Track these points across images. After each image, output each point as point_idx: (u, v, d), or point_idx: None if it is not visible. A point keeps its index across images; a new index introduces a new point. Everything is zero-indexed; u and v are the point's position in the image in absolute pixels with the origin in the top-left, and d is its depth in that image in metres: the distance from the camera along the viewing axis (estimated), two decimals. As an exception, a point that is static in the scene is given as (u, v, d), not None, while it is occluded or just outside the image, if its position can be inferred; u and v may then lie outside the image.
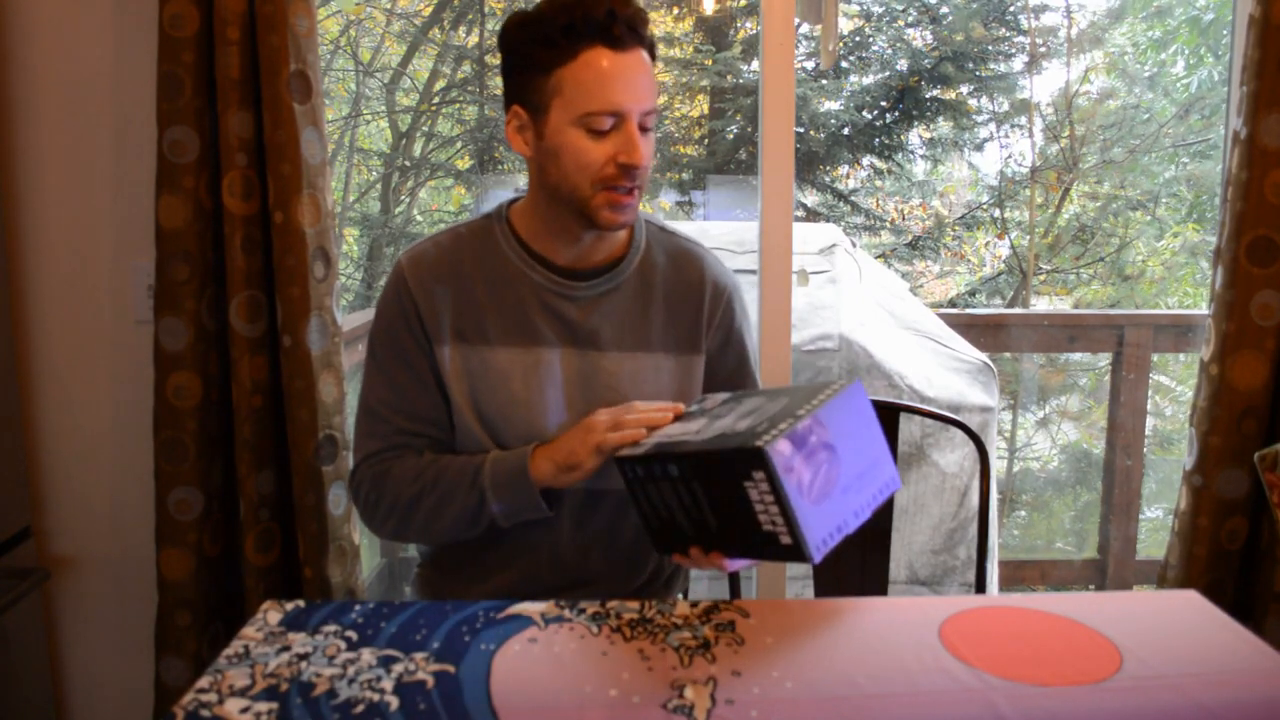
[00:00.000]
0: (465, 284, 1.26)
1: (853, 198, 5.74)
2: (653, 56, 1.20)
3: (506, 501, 1.20)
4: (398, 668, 0.99)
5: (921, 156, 5.77)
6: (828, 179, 5.72)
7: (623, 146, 1.15)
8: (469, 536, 1.26)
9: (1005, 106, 5.54)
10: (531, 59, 1.16)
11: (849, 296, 2.71)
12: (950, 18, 5.57)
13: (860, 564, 1.58)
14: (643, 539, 1.30)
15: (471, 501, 1.21)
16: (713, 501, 1.02)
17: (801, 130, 5.34)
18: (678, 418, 1.14)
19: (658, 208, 5.60)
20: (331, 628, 1.08)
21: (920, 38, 5.71)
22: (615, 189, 1.16)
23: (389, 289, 1.27)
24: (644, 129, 1.17)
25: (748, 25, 5.76)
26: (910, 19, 5.70)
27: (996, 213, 5.56)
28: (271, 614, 1.11)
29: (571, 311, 1.25)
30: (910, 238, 5.69)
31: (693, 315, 1.30)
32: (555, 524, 1.27)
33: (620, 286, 1.27)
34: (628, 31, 1.13)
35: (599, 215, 1.18)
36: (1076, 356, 4.94)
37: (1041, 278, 5.42)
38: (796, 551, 0.96)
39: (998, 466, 4.28)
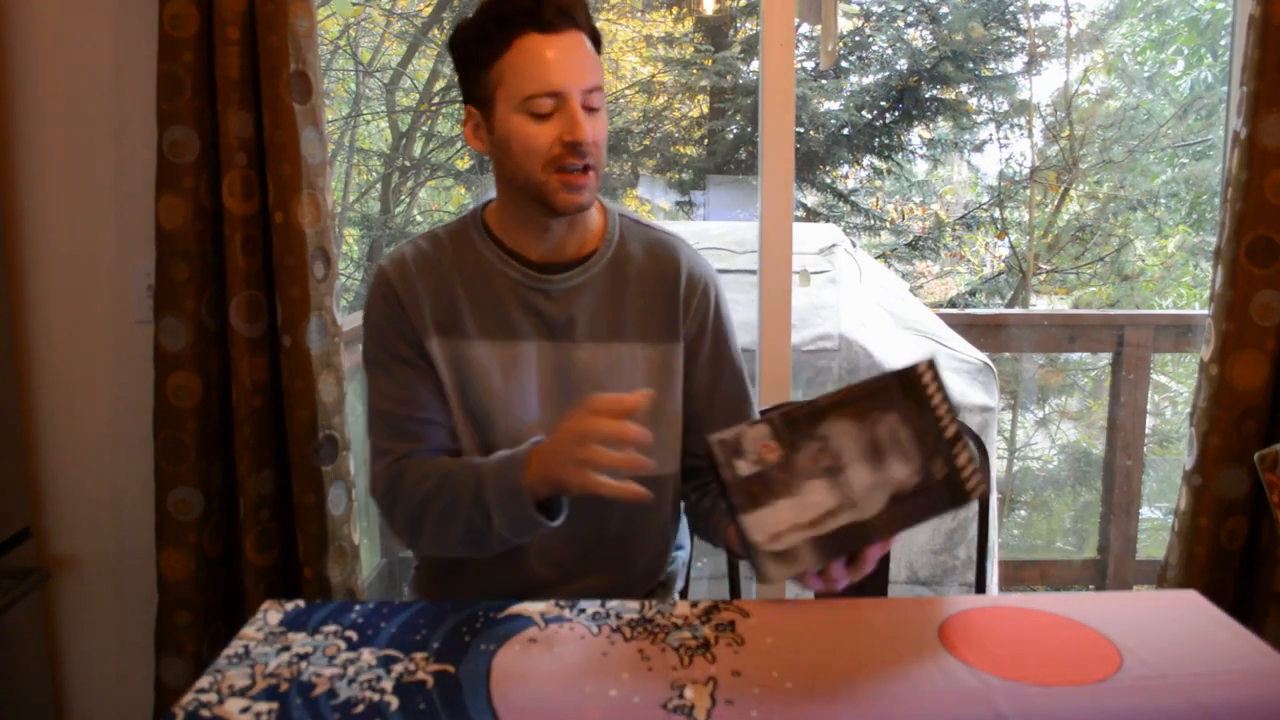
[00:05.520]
0: (444, 281, 1.27)
1: (853, 198, 5.74)
2: (594, 39, 1.21)
3: (511, 522, 1.14)
4: (398, 668, 0.99)
5: (921, 157, 5.77)
6: (828, 179, 5.72)
7: (566, 126, 1.16)
8: (485, 555, 1.21)
9: (1005, 106, 5.55)
10: (473, 58, 1.20)
11: (849, 296, 2.71)
12: (950, 18, 5.57)
13: (860, 564, 1.58)
14: (634, 526, 1.30)
15: (478, 519, 1.16)
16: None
17: (801, 130, 5.34)
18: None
19: (657, 208, 5.60)
20: (331, 628, 1.08)
21: (920, 37, 5.71)
22: (566, 169, 1.17)
23: (374, 293, 1.28)
24: (590, 108, 1.18)
25: (748, 25, 5.76)
26: (910, 19, 5.70)
27: (996, 213, 5.56)
28: (271, 614, 1.11)
29: (546, 305, 1.26)
30: (910, 238, 5.69)
31: (668, 304, 1.30)
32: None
33: (594, 278, 1.28)
34: (558, 15, 1.16)
35: (555, 198, 1.18)
36: (1076, 356, 4.94)
37: (1041, 278, 5.42)
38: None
39: (998, 466, 4.28)
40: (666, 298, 1.30)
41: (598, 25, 1.24)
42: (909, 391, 0.98)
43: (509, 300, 1.26)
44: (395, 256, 1.29)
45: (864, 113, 5.55)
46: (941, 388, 0.98)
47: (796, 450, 0.98)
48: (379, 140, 5.75)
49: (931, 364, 0.99)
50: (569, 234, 1.27)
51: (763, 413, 1.08)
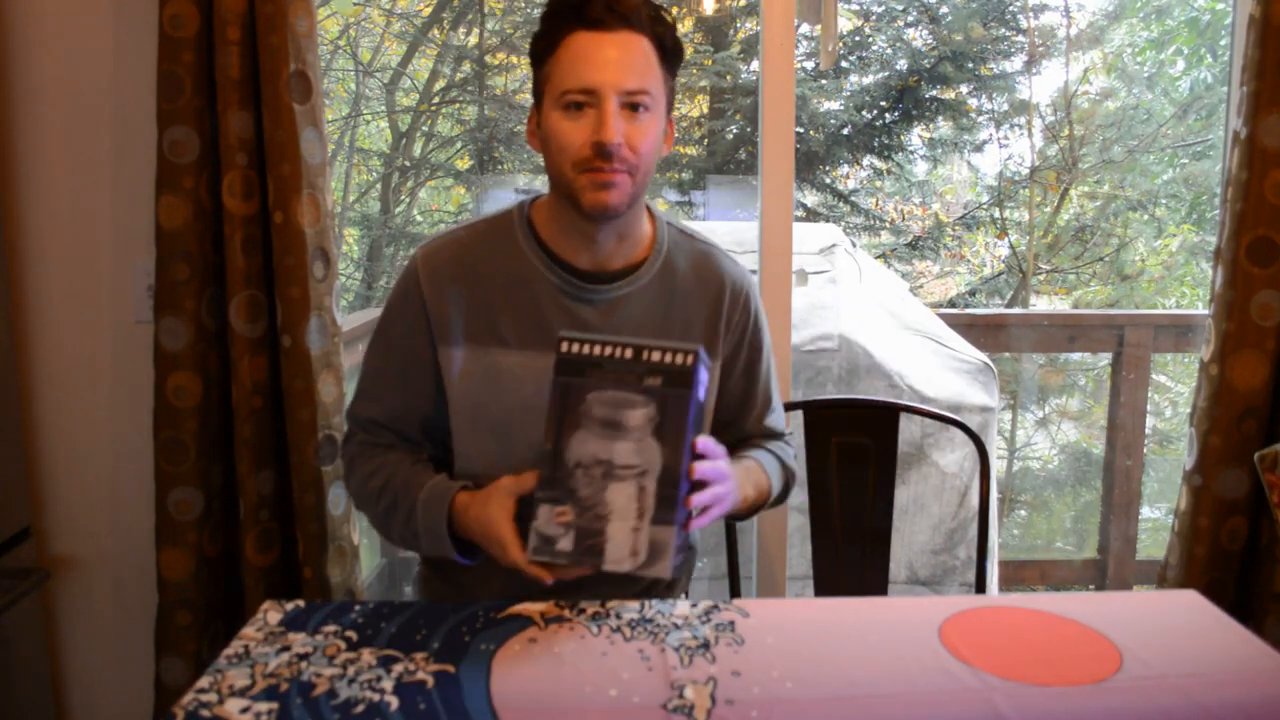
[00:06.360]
0: (481, 284, 1.24)
1: (853, 198, 5.74)
2: (663, 44, 1.18)
3: (434, 551, 1.21)
4: (398, 668, 1.00)
5: (921, 157, 5.77)
6: (828, 179, 5.72)
7: (595, 126, 1.13)
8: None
9: (1004, 106, 5.55)
10: (534, 55, 1.21)
11: (849, 296, 2.71)
12: (950, 17, 5.57)
13: (860, 564, 1.58)
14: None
15: (409, 535, 1.23)
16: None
17: (801, 130, 5.34)
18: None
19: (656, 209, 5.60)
20: (331, 628, 1.08)
21: (920, 37, 5.71)
22: (594, 169, 1.14)
23: (401, 284, 1.27)
24: (634, 107, 1.15)
25: (748, 25, 5.76)
26: (910, 19, 5.71)
27: (996, 213, 5.56)
28: (271, 614, 1.11)
29: (590, 315, 1.24)
30: (910, 238, 5.69)
31: (710, 321, 1.29)
32: None
33: (641, 290, 1.26)
34: (607, 12, 1.14)
35: (583, 198, 1.16)
36: (1076, 356, 4.94)
37: (1041, 278, 5.42)
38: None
39: (998, 466, 4.28)
40: (709, 314, 1.29)
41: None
42: (574, 371, 1.02)
43: (549, 307, 1.23)
44: (431, 250, 1.26)
45: (864, 113, 5.55)
46: (586, 340, 1.02)
47: (576, 491, 1.02)
48: (379, 140, 5.75)
49: (562, 338, 1.03)
50: (618, 244, 1.25)
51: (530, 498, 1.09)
